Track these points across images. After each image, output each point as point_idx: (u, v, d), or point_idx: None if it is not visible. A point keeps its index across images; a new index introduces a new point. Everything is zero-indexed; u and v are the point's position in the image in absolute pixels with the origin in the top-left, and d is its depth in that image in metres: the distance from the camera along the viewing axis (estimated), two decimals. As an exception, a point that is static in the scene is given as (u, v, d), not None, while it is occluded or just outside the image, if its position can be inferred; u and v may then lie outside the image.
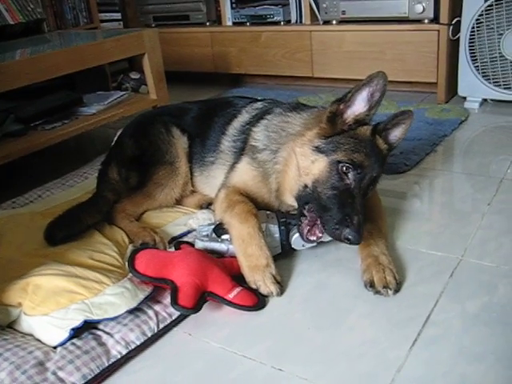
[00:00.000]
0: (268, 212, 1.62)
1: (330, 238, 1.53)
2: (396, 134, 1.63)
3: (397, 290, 1.41)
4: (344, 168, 1.47)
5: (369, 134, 1.54)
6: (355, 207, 1.43)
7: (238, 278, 1.46)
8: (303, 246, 1.56)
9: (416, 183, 2.11)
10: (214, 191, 1.81)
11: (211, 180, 1.90)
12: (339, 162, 1.47)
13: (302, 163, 1.54)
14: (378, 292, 1.40)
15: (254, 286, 1.44)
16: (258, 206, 1.63)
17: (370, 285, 1.42)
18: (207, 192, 1.94)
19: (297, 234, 1.54)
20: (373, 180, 1.52)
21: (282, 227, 1.56)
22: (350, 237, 1.39)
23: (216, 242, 1.59)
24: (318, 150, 1.51)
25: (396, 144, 1.64)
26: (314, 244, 1.56)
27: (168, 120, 1.99)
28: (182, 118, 2.02)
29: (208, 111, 2.02)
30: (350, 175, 1.47)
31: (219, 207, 1.66)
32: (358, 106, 1.52)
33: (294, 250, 1.60)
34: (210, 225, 1.67)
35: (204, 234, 1.63)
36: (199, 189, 1.97)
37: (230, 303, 1.37)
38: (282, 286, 1.46)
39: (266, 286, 1.43)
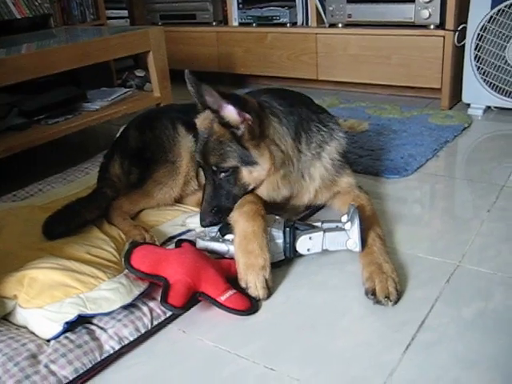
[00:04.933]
0: (277, 217, 1.61)
1: (335, 248, 1.54)
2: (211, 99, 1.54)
3: (396, 301, 1.39)
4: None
5: (206, 125, 1.63)
6: (204, 199, 1.64)
7: (234, 281, 1.45)
8: (308, 250, 1.55)
9: (416, 188, 2.11)
10: None
11: None
12: None
13: None
14: (378, 302, 1.38)
15: (243, 285, 1.43)
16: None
17: (372, 293, 1.40)
18: None
19: (302, 237, 1.54)
20: (219, 167, 1.59)
21: (287, 228, 1.54)
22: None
23: (217, 241, 1.58)
24: None
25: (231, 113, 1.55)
26: (319, 250, 1.55)
27: (175, 117, 1.98)
28: (190, 116, 2.01)
29: None
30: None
31: None
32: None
33: (297, 255, 1.58)
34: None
35: (212, 235, 1.63)
36: None
37: (221, 305, 1.36)
38: (270, 292, 1.45)
39: (256, 288, 1.42)
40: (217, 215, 1.61)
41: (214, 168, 1.60)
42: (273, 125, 1.62)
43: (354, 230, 1.49)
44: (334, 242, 1.54)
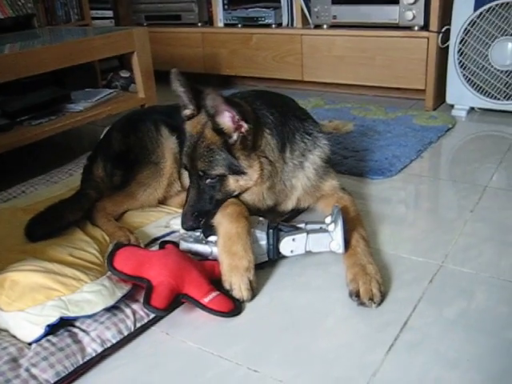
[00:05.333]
0: (260, 218, 1.61)
1: (319, 249, 1.54)
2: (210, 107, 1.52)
3: (380, 303, 1.39)
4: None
5: (198, 130, 1.60)
6: (187, 202, 1.63)
7: (218, 283, 1.44)
8: (291, 251, 1.55)
9: (400, 189, 2.12)
10: None
11: None
12: None
13: None
14: (362, 303, 1.38)
15: (227, 287, 1.43)
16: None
17: (356, 295, 1.40)
18: None
19: (285, 239, 1.53)
20: (206, 174, 1.57)
21: (271, 230, 1.54)
22: None
23: (200, 243, 1.58)
24: None
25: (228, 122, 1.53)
26: (303, 252, 1.55)
27: (159, 118, 1.97)
28: (174, 118, 2.01)
29: None
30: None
31: None
32: None
33: (280, 257, 1.58)
34: None
35: (196, 236, 1.62)
36: None
37: (205, 307, 1.36)
38: (254, 293, 1.45)
39: (240, 290, 1.42)
40: (198, 219, 1.61)
41: (201, 173, 1.59)
42: (265, 136, 1.62)
43: (337, 232, 1.49)
44: (318, 243, 1.54)
